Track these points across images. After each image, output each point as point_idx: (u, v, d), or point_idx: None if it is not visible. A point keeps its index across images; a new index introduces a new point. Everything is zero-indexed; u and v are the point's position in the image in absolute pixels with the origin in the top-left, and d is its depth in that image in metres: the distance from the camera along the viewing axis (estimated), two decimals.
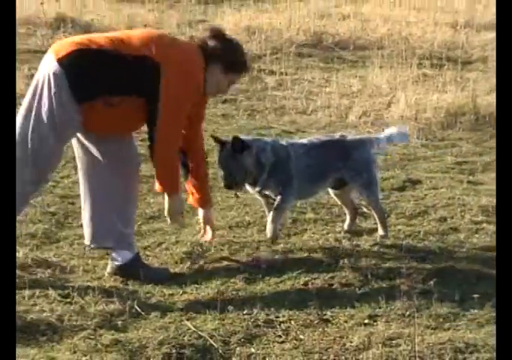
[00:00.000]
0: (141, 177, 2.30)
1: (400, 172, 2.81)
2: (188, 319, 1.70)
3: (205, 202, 2.03)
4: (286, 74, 4.17)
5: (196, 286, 1.89)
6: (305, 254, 2.07)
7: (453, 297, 1.81)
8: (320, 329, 1.66)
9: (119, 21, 5.16)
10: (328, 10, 5.67)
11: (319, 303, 1.78)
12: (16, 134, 1.82)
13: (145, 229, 2.28)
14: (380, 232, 2.20)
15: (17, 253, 2.00)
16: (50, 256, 2.06)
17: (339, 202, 2.29)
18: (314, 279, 1.91)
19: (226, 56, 1.88)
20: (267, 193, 2.12)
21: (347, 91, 3.87)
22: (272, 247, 2.12)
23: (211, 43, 1.89)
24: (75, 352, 1.57)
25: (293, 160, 2.10)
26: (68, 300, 1.79)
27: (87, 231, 1.96)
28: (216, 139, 2.08)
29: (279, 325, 1.69)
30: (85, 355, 1.55)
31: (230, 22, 5.15)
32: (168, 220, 1.97)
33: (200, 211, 2.05)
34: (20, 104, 1.85)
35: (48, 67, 1.81)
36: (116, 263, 1.95)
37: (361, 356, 1.55)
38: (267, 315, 1.73)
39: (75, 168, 2.29)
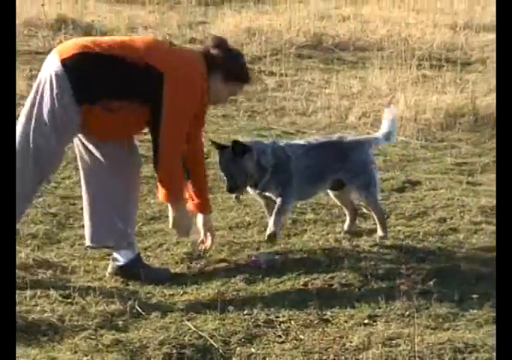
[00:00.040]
0: (142, 178, 2.31)
1: (399, 173, 2.82)
2: (188, 320, 1.71)
3: (204, 207, 2.03)
4: (286, 75, 4.19)
5: (196, 286, 1.90)
6: (305, 255, 2.08)
7: (453, 297, 1.82)
8: (320, 329, 1.66)
9: (120, 22, 5.17)
10: (328, 12, 5.67)
11: (319, 303, 1.78)
12: (19, 134, 1.83)
13: (145, 230, 2.28)
14: (380, 232, 2.20)
15: (19, 254, 2.01)
16: (51, 257, 2.07)
17: (339, 203, 2.30)
18: (314, 279, 1.92)
19: (227, 66, 1.88)
20: (267, 194, 2.13)
21: (347, 92, 3.88)
22: (273, 247, 2.12)
23: (213, 52, 1.90)
24: (76, 352, 1.57)
25: (293, 161, 2.11)
26: (69, 300, 1.80)
27: (88, 231, 1.97)
28: (215, 144, 2.09)
29: (279, 325, 1.69)
30: (86, 355, 1.56)
31: (231, 23, 5.15)
32: (175, 232, 1.97)
33: (199, 217, 2.05)
34: (20, 105, 1.86)
35: (51, 67, 1.82)
36: (117, 264, 1.96)
37: (361, 356, 1.56)
38: (267, 315, 1.74)
39: (76, 169, 2.31)
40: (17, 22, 4.77)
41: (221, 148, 2.06)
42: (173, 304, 1.81)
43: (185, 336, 1.63)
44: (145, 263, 1.99)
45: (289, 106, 3.73)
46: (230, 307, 1.76)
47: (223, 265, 2.03)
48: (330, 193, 2.27)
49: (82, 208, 2.02)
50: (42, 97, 1.81)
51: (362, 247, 2.14)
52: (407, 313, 1.73)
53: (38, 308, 1.74)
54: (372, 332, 1.64)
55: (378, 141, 2.24)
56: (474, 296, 1.80)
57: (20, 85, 3.49)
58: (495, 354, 1.54)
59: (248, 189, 2.12)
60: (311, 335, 1.64)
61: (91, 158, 1.93)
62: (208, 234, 2.06)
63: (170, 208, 1.93)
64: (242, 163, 2.01)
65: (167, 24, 5.29)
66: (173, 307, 1.79)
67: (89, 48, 1.81)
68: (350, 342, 1.61)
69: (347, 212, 2.27)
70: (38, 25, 4.96)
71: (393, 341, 1.61)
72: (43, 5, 5.01)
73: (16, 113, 1.89)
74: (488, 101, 3.55)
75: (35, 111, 1.82)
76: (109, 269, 1.97)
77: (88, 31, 4.85)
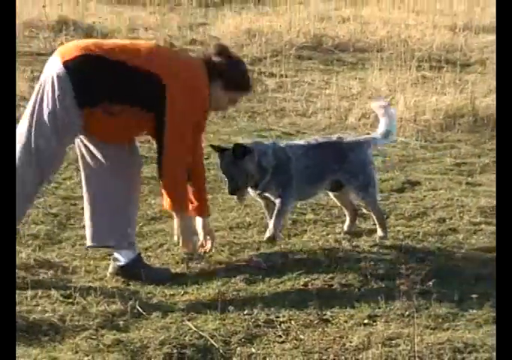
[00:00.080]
0: (142, 178, 2.31)
1: (399, 173, 2.83)
2: (189, 320, 1.71)
3: (203, 210, 2.04)
4: (286, 76, 4.20)
5: (197, 286, 1.90)
6: (305, 255, 2.09)
7: (452, 297, 1.82)
8: (320, 329, 1.67)
9: (121, 24, 5.18)
10: (328, 13, 5.68)
11: (319, 303, 1.79)
12: (20, 135, 1.84)
13: (146, 230, 2.29)
14: (380, 233, 2.21)
15: (20, 254, 2.02)
16: (52, 257, 2.07)
17: (339, 204, 2.30)
18: (314, 279, 1.92)
19: (227, 74, 1.88)
20: (267, 195, 2.13)
21: (347, 93, 3.89)
22: (273, 247, 2.13)
23: (215, 59, 1.90)
24: (77, 352, 1.58)
25: (293, 162, 2.12)
26: (70, 300, 1.80)
27: (88, 231, 1.97)
28: (214, 147, 2.10)
29: (279, 325, 1.70)
30: (87, 355, 1.56)
31: (231, 24, 5.17)
32: (180, 243, 1.94)
33: (198, 220, 2.05)
34: (21, 106, 1.87)
35: (53, 69, 1.82)
36: (118, 264, 1.96)
37: (361, 356, 1.56)
38: (267, 315, 1.74)
39: (77, 170, 2.31)
40: (18, 23, 4.79)
41: (221, 150, 2.06)
42: (174, 304, 1.81)
43: (185, 336, 1.64)
44: (146, 263, 1.99)
45: (289, 107, 3.74)
46: (231, 307, 1.76)
47: (223, 265, 2.04)
48: (330, 193, 2.28)
49: (83, 209, 2.03)
50: (43, 98, 1.82)
51: (362, 247, 2.15)
52: (406, 313, 1.73)
53: (39, 308, 1.75)
54: (372, 332, 1.65)
55: (377, 141, 2.24)
56: (474, 296, 1.81)
57: (21, 86, 3.50)
58: (494, 354, 1.55)
59: (249, 190, 2.13)
60: (311, 335, 1.64)
61: (93, 159, 1.94)
62: (207, 237, 2.07)
63: (175, 217, 1.93)
64: (243, 165, 2.02)
65: (168, 25, 5.31)
66: (174, 307, 1.80)
67: (92, 50, 1.81)
68: (350, 342, 1.62)
69: (347, 213, 2.28)
70: (39, 26, 4.98)
71: (393, 341, 1.61)
72: (44, 7, 5.04)
73: (17, 114, 1.90)
74: (487, 102, 3.56)
75: (36, 112, 1.83)
76: (110, 269, 1.98)
77: (89, 32, 4.87)
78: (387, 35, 4.94)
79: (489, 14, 5.47)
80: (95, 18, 5.28)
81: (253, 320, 1.71)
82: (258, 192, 2.13)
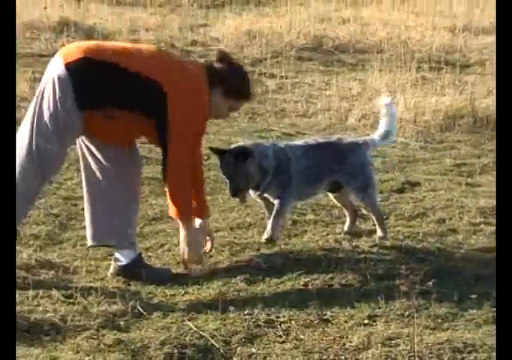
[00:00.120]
0: (143, 179, 2.34)
1: (399, 174, 2.83)
2: (189, 320, 1.72)
3: (202, 212, 2.03)
4: (286, 78, 4.21)
5: (197, 286, 1.91)
6: (306, 255, 2.09)
7: (452, 297, 1.82)
8: (320, 329, 1.67)
9: (121, 25, 5.19)
10: (328, 14, 5.70)
11: (319, 303, 1.79)
12: (22, 135, 1.85)
13: (147, 231, 2.29)
14: (379, 233, 2.21)
15: (21, 254, 2.03)
16: (54, 257, 2.08)
17: (339, 205, 2.31)
18: (314, 279, 1.93)
19: (228, 81, 1.88)
20: (266, 195, 2.14)
21: (347, 94, 3.90)
22: (273, 248, 2.13)
23: (216, 65, 1.89)
24: (78, 352, 1.58)
25: (293, 163, 2.12)
26: (71, 300, 1.81)
27: (89, 230, 1.98)
28: (214, 150, 2.10)
29: (280, 325, 1.70)
30: (88, 355, 1.57)
31: (231, 26, 5.18)
32: (185, 255, 1.89)
33: (197, 221, 2.05)
34: (22, 107, 1.87)
35: (55, 71, 1.83)
36: (119, 264, 1.97)
37: (361, 356, 1.57)
38: (268, 315, 1.75)
39: (78, 170, 2.31)
40: (20, 24, 4.82)
41: (220, 152, 2.06)
42: (175, 304, 1.82)
43: (186, 336, 1.64)
44: (146, 263, 2.00)
45: (289, 107, 3.75)
46: (231, 307, 1.77)
47: (224, 265, 2.04)
48: (330, 194, 2.28)
49: (83, 209, 2.03)
50: (44, 99, 1.83)
51: (362, 247, 2.15)
52: (406, 313, 1.74)
53: (40, 308, 1.75)
54: (372, 332, 1.65)
55: (376, 142, 2.24)
56: (473, 296, 1.81)
57: (22, 87, 3.51)
58: (493, 354, 1.55)
59: (250, 192, 2.13)
60: (312, 335, 1.65)
61: (94, 159, 1.95)
62: (207, 238, 2.07)
63: (180, 225, 1.89)
64: (245, 167, 2.02)
65: (169, 26, 5.31)
66: (175, 307, 1.80)
67: (94, 54, 1.82)
68: (350, 342, 1.62)
69: (347, 213, 2.28)
70: (41, 27, 4.99)
71: (393, 341, 1.62)
72: (45, 8, 5.07)
73: (19, 115, 1.90)
74: (487, 103, 3.57)
75: (37, 113, 1.83)
76: (111, 269, 1.98)
77: (90, 33, 4.88)
78: (386, 36, 4.95)
79: (488, 15, 5.48)
80: (96, 19, 5.29)
81: (253, 320, 1.72)
82: (258, 193, 2.13)
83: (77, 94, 1.80)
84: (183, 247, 1.92)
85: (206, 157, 2.64)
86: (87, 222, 1.99)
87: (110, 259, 2.01)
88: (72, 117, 1.82)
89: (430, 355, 1.56)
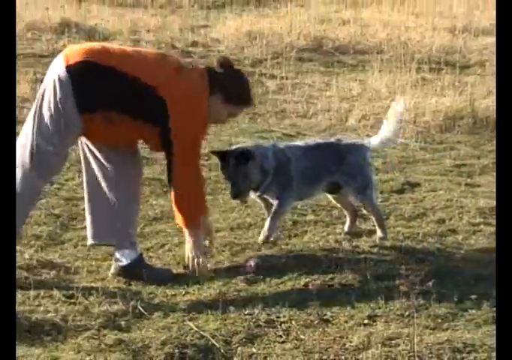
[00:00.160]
0: (144, 179, 2.33)
1: (399, 174, 2.84)
2: (190, 320, 1.72)
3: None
4: (287, 78, 4.21)
5: (198, 286, 1.91)
6: (306, 255, 2.10)
7: (452, 297, 1.83)
8: (321, 329, 1.68)
9: (122, 26, 5.20)
10: (328, 16, 5.70)
11: (319, 303, 1.80)
12: (24, 136, 1.85)
13: (148, 231, 2.30)
14: (379, 233, 2.22)
15: (22, 255, 2.03)
16: (55, 258, 2.08)
17: (339, 205, 2.31)
18: (315, 280, 1.93)
19: (228, 87, 1.87)
20: (266, 196, 2.15)
21: (347, 95, 3.91)
22: (273, 248, 2.14)
23: (217, 71, 1.89)
24: (79, 352, 1.59)
25: (292, 163, 2.13)
26: (72, 300, 1.81)
27: (90, 230, 1.98)
28: (215, 153, 2.10)
29: (280, 325, 1.71)
30: (89, 355, 1.58)
31: (232, 26, 5.19)
32: (190, 263, 1.89)
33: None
34: (23, 107, 1.87)
35: (56, 72, 1.84)
36: (120, 264, 1.97)
37: (361, 356, 1.57)
38: (268, 315, 1.75)
39: (79, 171, 2.33)
40: (21, 25, 4.84)
41: (222, 155, 2.06)
42: (175, 305, 1.82)
43: (186, 336, 1.65)
44: (147, 264, 2.01)
45: (290, 108, 3.76)
46: (232, 308, 1.77)
47: (224, 265, 2.04)
48: (329, 196, 2.28)
49: (84, 209, 2.03)
50: (45, 100, 1.83)
51: (362, 247, 2.16)
52: (406, 313, 1.74)
53: (42, 308, 1.76)
54: (372, 332, 1.66)
55: (375, 145, 2.23)
56: (473, 297, 1.82)
57: (23, 88, 3.50)
58: (493, 354, 1.55)
59: (250, 193, 2.13)
60: (312, 335, 1.65)
61: (95, 159, 1.95)
62: (207, 237, 2.07)
63: (187, 234, 1.88)
64: (246, 170, 2.03)
65: (169, 27, 5.32)
66: (175, 307, 1.81)
67: (96, 57, 1.81)
68: (350, 342, 1.62)
69: (347, 214, 2.29)
70: (42, 28, 5.00)
71: (393, 341, 1.62)
72: (47, 9, 5.09)
73: (21, 116, 1.91)
74: (486, 103, 3.57)
75: (38, 114, 1.84)
76: (112, 270, 1.99)
77: (91, 34, 4.89)
78: (386, 37, 4.95)
79: (488, 16, 5.49)
80: (97, 20, 5.30)
81: (254, 320, 1.72)
82: (258, 194, 2.14)
83: (77, 97, 1.81)
84: (190, 256, 1.91)
85: (206, 158, 2.65)
86: (88, 222, 1.99)
87: (111, 260, 2.01)
88: (72, 118, 1.83)
89: (430, 355, 1.56)
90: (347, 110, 3.66)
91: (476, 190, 2.67)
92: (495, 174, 2.74)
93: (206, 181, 2.22)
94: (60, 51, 1.98)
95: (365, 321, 1.72)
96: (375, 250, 2.15)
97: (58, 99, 1.81)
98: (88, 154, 1.96)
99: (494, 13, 4.82)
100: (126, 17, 5.53)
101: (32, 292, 1.83)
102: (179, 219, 1.90)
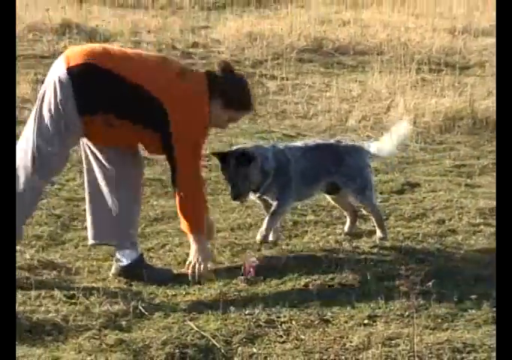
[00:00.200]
0: (145, 180, 2.36)
1: (399, 175, 2.84)
2: (190, 320, 1.73)
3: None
4: (287, 79, 4.22)
5: (198, 286, 1.92)
6: (306, 256, 2.10)
7: (452, 298, 1.83)
8: (321, 329, 1.68)
9: (123, 27, 5.20)
10: (328, 16, 5.71)
11: (319, 303, 1.80)
12: (25, 136, 1.86)
13: (148, 231, 2.30)
14: (379, 234, 2.22)
15: (23, 255, 2.04)
16: (56, 258, 2.09)
17: (338, 206, 2.32)
18: (315, 280, 1.93)
19: (228, 92, 1.87)
20: (265, 197, 2.15)
21: (347, 96, 3.91)
22: (273, 248, 2.14)
23: (218, 76, 1.89)
24: (80, 352, 1.59)
25: (292, 164, 2.13)
26: (73, 301, 1.82)
27: (90, 230, 1.99)
28: (215, 154, 2.10)
29: (280, 325, 1.71)
30: (90, 355, 1.58)
31: (232, 27, 5.20)
32: (189, 270, 1.88)
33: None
34: (24, 108, 1.88)
35: (57, 73, 1.84)
36: (120, 264, 1.98)
37: (361, 356, 1.58)
38: (268, 315, 1.75)
39: (80, 171, 2.35)
40: (22, 26, 4.85)
41: (222, 156, 2.07)
42: (176, 305, 1.83)
43: (187, 336, 1.65)
44: (148, 264, 2.01)
45: (290, 109, 3.76)
46: (232, 308, 1.78)
47: (225, 265, 2.05)
48: (328, 196, 2.29)
49: (85, 210, 2.04)
50: (45, 101, 1.84)
51: (362, 248, 2.16)
52: (406, 313, 1.74)
53: (43, 308, 1.76)
54: (372, 332, 1.66)
55: (372, 150, 2.21)
56: (473, 297, 1.82)
57: (24, 88, 3.51)
58: (493, 354, 1.56)
59: (250, 194, 2.14)
60: (312, 335, 1.66)
61: (96, 160, 1.96)
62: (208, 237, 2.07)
63: (191, 239, 1.87)
64: (247, 171, 2.03)
65: (170, 28, 5.33)
66: (176, 307, 1.81)
67: (97, 59, 1.81)
68: (351, 342, 1.63)
69: (347, 214, 2.29)
70: (43, 29, 5.02)
71: (393, 341, 1.63)
72: (47, 10, 5.10)
73: (21, 116, 1.91)
74: (486, 104, 3.58)
75: (38, 115, 1.85)
76: (113, 270, 1.99)
77: (92, 35, 4.91)
78: (386, 38, 4.96)
79: (488, 17, 5.50)
80: (98, 21, 5.32)
81: (254, 320, 1.73)
82: (258, 195, 2.14)
83: (77, 99, 1.81)
84: (193, 261, 1.90)
85: (206, 159, 2.65)
86: (89, 222, 2.00)
87: (112, 260, 2.02)
88: (72, 119, 1.83)
89: (430, 355, 1.57)
90: (348, 111, 3.66)
91: (476, 191, 2.68)
92: (494, 174, 2.75)
93: (206, 181, 2.22)
94: (61, 52, 2.00)
95: (366, 321, 1.73)
96: (375, 250, 2.15)
97: (58, 100, 1.82)
98: (90, 155, 1.97)
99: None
100: (127, 18, 5.54)
101: (33, 293, 1.84)
102: (183, 225, 1.90)
